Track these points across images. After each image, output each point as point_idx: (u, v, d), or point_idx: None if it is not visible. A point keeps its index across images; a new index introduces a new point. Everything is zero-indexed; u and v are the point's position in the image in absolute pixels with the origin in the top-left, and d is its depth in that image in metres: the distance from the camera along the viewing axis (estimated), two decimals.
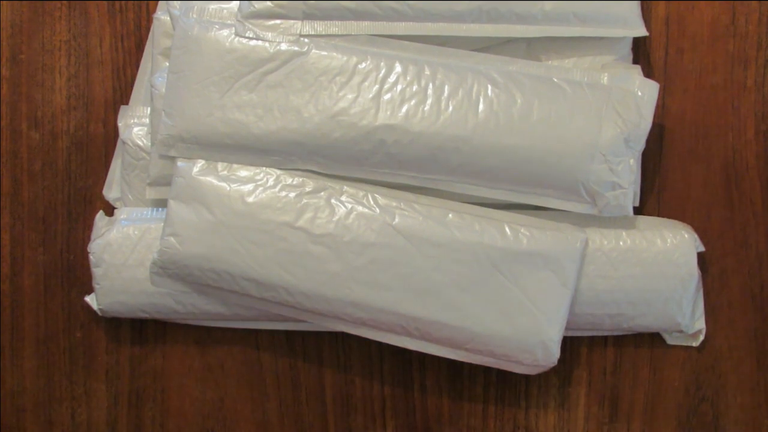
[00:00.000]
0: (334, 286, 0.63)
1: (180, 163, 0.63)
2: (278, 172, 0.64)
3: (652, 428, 0.70)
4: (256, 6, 0.62)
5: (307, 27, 0.62)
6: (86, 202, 0.72)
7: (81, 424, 0.72)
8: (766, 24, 0.68)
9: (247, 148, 0.62)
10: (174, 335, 0.72)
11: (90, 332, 0.72)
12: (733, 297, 0.69)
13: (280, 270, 0.63)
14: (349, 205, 0.63)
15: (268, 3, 0.62)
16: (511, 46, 0.66)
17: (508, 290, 0.63)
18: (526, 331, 0.63)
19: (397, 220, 0.63)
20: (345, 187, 0.64)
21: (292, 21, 0.62)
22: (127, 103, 0.70)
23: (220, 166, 0.64)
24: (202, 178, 0.63)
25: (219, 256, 0.63)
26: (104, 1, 0.71)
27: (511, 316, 0.63)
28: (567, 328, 0.64)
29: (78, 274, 0.72)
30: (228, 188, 0.63)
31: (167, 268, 0.64)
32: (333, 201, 0.63)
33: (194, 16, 0.63)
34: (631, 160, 0.63)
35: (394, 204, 0.63)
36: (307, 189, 0.63)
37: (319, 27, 0.63)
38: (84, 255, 0.71)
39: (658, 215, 0.69)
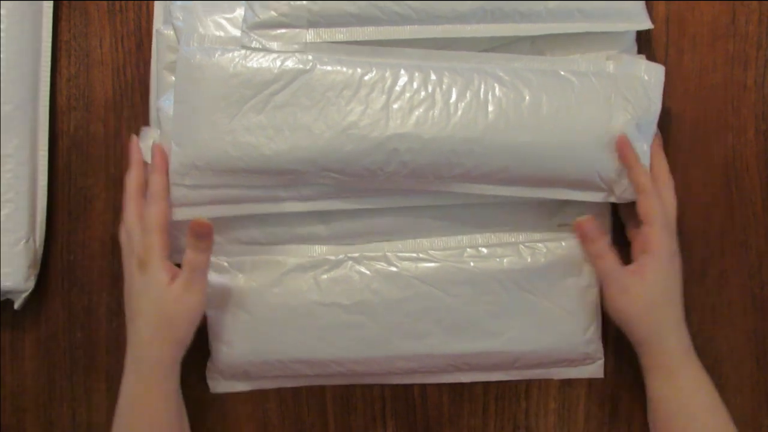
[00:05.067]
0: (378, 347, 0.66)
1: (209, 276, 0.66)
2: (293, 256, 0.66)
3: None
4: (260, 16, 0.62)
5: (313, 35, 0.62)
6: (86, 202, 0.72)
7: (81, 424, 0.72)
8: (766, 24, 0.68)
9: (260, 169, 0.62)
10: None
11: (90, 332, 0.72)
12: (733, 297, 0.69)
13: (325, 345, 0.66)
14: (370, 271, 0.66)
15: (272, 13, 0.61)
16: (515, 43, 0.65)
17: (539, 305, 0.66)
18: (567, 336, 0.65)
19: (418, 271, 0.65)
20: (364, 253, 0.66)
21: (297, 30, 0.62)
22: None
23: (242, 267, 0.66)
24: (231, 283, 0.66)
25: (266, 348, 0.66)
26: (104, 1, 0.71)
27: (550, 327, 0.66)
28: None
29: (78, 274, 0.72)
30: (255, 285, 0.66)
31: (223, 372, 0.68)
32: (354, 271, 0.66)
33: (195, 44, 0.62)
34: (645, 145, 0.63)
35: (413, 256, 0.66)
36: (326, 267, 0.66)
37: (325, 34, 0.62)
38: (84, 255, 0.71)
39: None
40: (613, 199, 0.63)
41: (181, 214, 0.64)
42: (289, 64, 0.61)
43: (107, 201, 0.71)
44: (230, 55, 0.62)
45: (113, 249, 0.71)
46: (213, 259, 0.66)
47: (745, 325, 0.69)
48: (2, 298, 0.69)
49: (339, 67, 0.62)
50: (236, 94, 0.61)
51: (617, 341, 0.70)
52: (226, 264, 0.67)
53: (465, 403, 0.71)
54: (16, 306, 0.69)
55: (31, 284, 0.69)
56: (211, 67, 0.61)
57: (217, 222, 0.65)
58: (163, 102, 0.66)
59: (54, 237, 0.72)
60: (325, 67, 0.61)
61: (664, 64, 0.69)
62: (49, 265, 0.72)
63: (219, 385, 0.69)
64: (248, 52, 0.62)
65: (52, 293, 0.72)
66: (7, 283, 0.67)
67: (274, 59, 0.61)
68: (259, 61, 0.61)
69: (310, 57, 0.62)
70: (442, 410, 0.71)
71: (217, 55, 0.62)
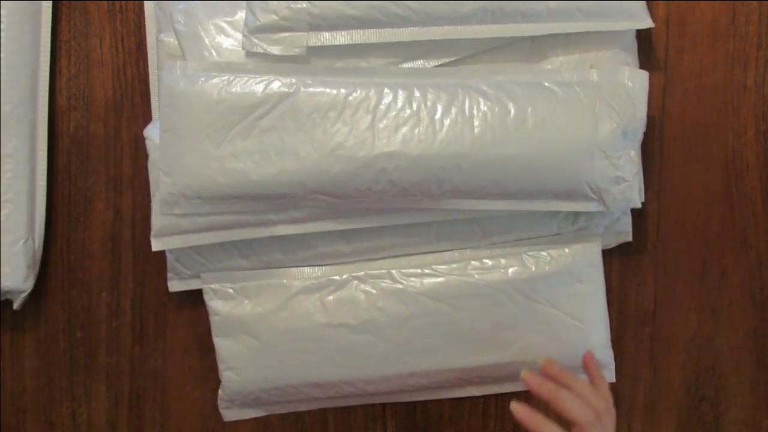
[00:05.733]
0: (388, 366, 0.66)
1: (212, 303, 0.66)
2: (297, 279, 0.66)
3: (652, 428, 0.70)
4: (261, 20, 0.61)
5: (314, 38, 0.62)
6: (86, 202, 0.71)
7: (81, 424, 0.72)
8: (766, 24, 0.68)
9: (249, 195, 0.62)
10: (174, 336, 0.71)
11: (90, 332, 0.72)
12: (733, 297, 0.69)
13: (335, 367, 0.66)
14: (376, 289, 0.65)
15: (273, 16, 0.61)
16: (515, 43, 0.65)
17: (546, 314, 0.65)
18: (575, 345, 0.65)
19: (422, 287, 0.65)
20: (369, 272, 0.66)
21: (298, 33, 0.62)
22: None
23: (247, 293, 0.66)
24: (237, 310, 0.66)
25: (277, 373, 0.66)
26: (104, 1, 0.71)
27: (559, 335, 0.66)
28: None
29: (78, 274, 0.72)
30: (262, 310, 0.65)
31: (234, 400, 0.68)
32: (360, 290, 0.65)
33: (178, 71, 0.62)
34: (632, 152, 0.63)
35: (418, 272, 0.65)
36: (331, 288, 0.66)
37: (325, 38, 0.62)
38: (84, 255, 0.71)
39: (658, 215, 0.69)
40: (603, 209, 0.63)
41: (171, 243, 0.64)
42: (274, 87, 0.61)
43: (107, 201, 0.71)
44: (214, 81, 0.61)
45: (113, 249, 0.71)
46: (218, 286, 0.66)
47: (745, 325, 0.69)
48: (2, 298, 0.69)
49: (323, 89, 0.61)
50: (222, 120, 0.61)
51: (617, 342, 0.70)
52: (231, 291, 0.66)
53: (465, 403, 0.71)
54: (15, 306, 0.69)
55: (30, 284, 0.69)
56: (196, 94, 0.61)
57: (213, 248, 0.66)
58: (150, 130, 0.66)
59: (54, 237, 0.72)
60: (309, 89, 0.61)
61: (664, 64, 0.69)
62: (49, 265, 0.72)
63: (231, 414, 0.69)
64: (231, 77, 0.61)
65: (52, 293, 0.72)
66: (6, 283, 0.67)
67: (258, 83, 0.61)
68: (243, 86, 0.61)
69: (293, 80, 0.61)
70: (442, 410, 0.71)
71: (200, 82, 0.61)
